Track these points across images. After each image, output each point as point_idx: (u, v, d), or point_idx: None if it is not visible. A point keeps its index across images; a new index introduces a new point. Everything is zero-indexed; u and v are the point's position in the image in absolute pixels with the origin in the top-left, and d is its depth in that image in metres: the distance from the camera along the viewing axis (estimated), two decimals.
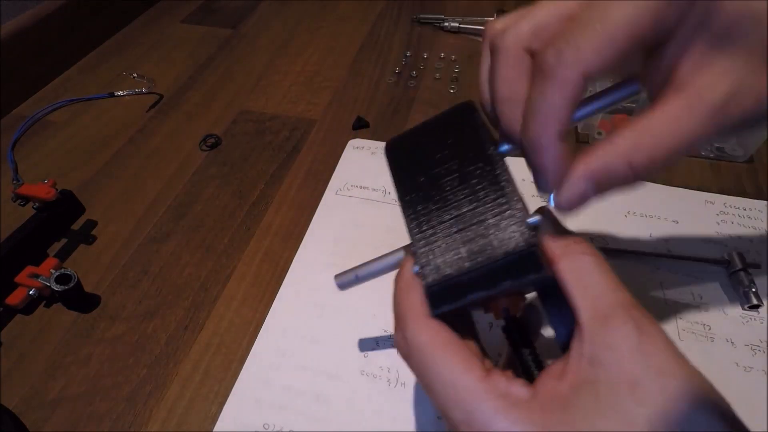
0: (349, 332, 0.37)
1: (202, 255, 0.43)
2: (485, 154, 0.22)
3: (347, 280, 0.28)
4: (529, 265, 0.20)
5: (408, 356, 0.21)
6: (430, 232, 0.22)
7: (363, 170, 0.50)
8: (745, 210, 0.44)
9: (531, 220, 0.20)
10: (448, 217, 0.22)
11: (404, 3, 0.78)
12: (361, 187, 0.48)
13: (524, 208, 0.21)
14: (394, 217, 0.45)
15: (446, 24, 0.70)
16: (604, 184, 0.19)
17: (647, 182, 0.47)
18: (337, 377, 0.35)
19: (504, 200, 0.21)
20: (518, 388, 0.19)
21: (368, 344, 0.36)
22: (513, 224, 0.20)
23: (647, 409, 0.17)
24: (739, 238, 0.42)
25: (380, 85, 0.61)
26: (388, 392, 0.34)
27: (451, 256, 0.21)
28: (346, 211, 0.46)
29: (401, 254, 0.26)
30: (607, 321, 0.19)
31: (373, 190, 0.47)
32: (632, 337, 0.18)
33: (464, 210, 0.22)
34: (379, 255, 0.27)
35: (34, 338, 0.38)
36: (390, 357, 0.35)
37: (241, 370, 0.35)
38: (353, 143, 0.53)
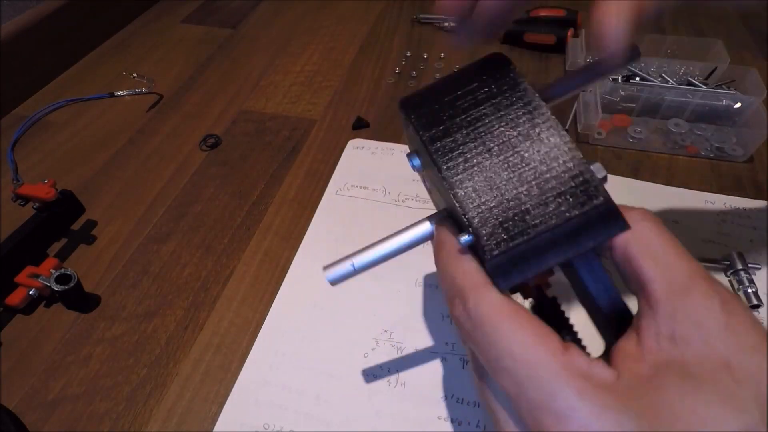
0: (349, 332, 0.37)
1: (202, 255, 0.43)
2: (523, 90, 0.20)
3: (341, 272, 0.23)
4: (612, 222, 0.18)
5: (472, 331, 0.18)
6: (472, 182, 0.19)
7: (363, 170, 0.50)
8: (745, 210, 0.44)
9: (593, 167, 0.18)
10: (495, 160, 0.19)
11: (404, 3, 0.78)
12: (361, 187, 0.48)
13: (579, 152, 0.18)
14: (394, 216, 0.45)
15: (446, 24, 0.70)
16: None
17: (648, 182, 0.47)
18: (337, 377, 0.35)
19: (558, 140, 0.18)
20: (601, 368, 0.17)
21: (368, 344, 0.36)
22: (578, 171, 0.18)
23: (751, 389, 0.15)
24: (739, 238, 0.42)
25: (380, 85, 0.61)
26: (388, 392, 0.34)
27: (507, 211, 0.18)
28: (346, 211, 0.46)
29: (426, 228, 0.22)
30: (688, 294, 0.17)
31: (373, 190, 0.47)
32: (718, 312, 0.16)
33: (510, 153, 0.19)
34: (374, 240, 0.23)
35: (34, 338, 0.38)
36: (390, 357, 0.35)
37: (241, 370, 0.35)
38: (353, 143, 0.53)
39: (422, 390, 0.34)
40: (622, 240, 0.19)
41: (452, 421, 0.32)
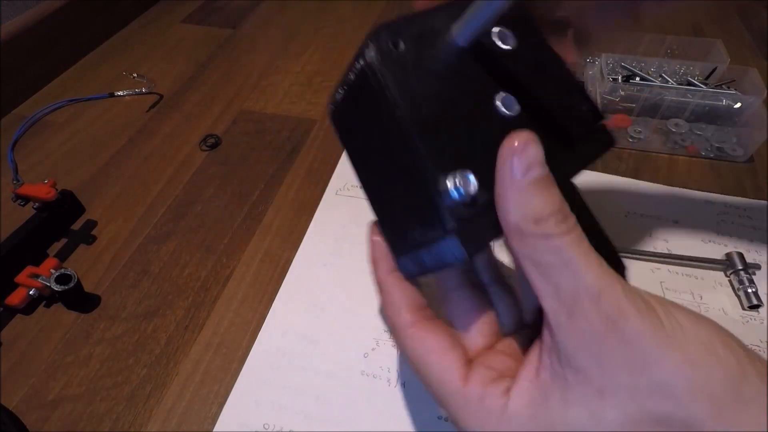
0: (349, 332, 0.37)
1: (202, 255, 0.43)
2: (396, 122, 0.19)
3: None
4: (450, 252, 0.18)
5: (407, 359, 0.22)
6: (383, 211, 0.23)
7: None
8: (745, 210, 0.44)
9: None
10: (390, 195, 0.21)
11: (404, 3, 0.78)
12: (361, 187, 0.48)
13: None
14: None
15: None
16: None
17: (648, 182, 0.47)
18: (337, 377, 0.35)
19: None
20: (494, 397, 0.19)
21: (368, 344, 0.36)
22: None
23: (617, 413, 0.16)
24: (739, 239, 0.42)
25: None
26: (388, 392, 0.34)
27: (403, 237, 0.21)
28: (346, 211, 0.46)
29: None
30: (573, 313, 0.17)
31: None
32: (597, 334, 0.16)
33: (398, 190, 0.21)
34: None
35: (34, 338, 0.38)
36: (390, 357, 0.35)
37: (241, 370, 0.35)
38: None
39: (422, 390, 0.33)
40: (516, 255, 0.18)
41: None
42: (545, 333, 0.18)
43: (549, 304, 0.18)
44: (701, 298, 0.38)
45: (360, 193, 0.47)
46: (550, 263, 0.17)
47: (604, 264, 0.17)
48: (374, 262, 0.23)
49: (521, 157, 0.18)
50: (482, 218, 0.19)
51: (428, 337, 0.21)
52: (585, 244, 0.18)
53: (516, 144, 0.18)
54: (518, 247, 0.18)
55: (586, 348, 0.17)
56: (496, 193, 0.18)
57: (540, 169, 0.18)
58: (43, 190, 0.42)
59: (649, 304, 0.17)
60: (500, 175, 0.18)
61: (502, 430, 0.18)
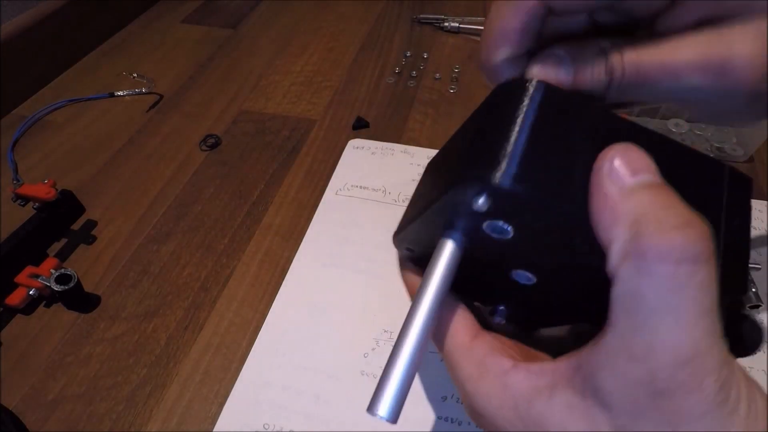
0: (349, 332, 0.37)
1: (202, 255, 0.43)
2: None
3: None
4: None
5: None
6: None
7: (363, 170, 0.49)
8: None
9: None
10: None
11: (404, 3, 0.78)
12: (361, 187, 0.48)
13: None
14: (394, 217, 0.45)
15: (446, 24, 0.70)
16: None
17: None
18: (337, 377, 0.35)
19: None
20: (497, 360, 0.18)
21: (368, 344, 0.36)
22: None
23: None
24: None
25: (380, 85, 0.61)
26: None
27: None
28: (346, 211, 0.46)
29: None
30: (642, 362, 0.14)
31: (373, 190, 0.47)
32: (656, 393, 0.13)
33: None
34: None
35: (34, 338, 0.38)
36: None
37: (241, 370, 0.35)
38: (353, 143, 0.53)
39: (422, 390, 0.34)
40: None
41: (452, 421, 0.32)
42: (586, 353, 0.15)
43: (620, 334, 0.14)
44: None
45: (360, 193, 0.47)
46: (653, 305, 0.13)
47: (713, 324, 0.14)
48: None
49: (624, 158, 0.14)
50: None
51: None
52: (712, 290, 0.13)
53: (612, 151, 0.14)
54: (623, 271, 0.14)
55: (631, 395, 0.14)
56: (591, 208, 0.14)
57: (652, 176, 0.14)
58: (43, 190, 0.42)
59: (730, 382, 0.14)
60: (596, 180, 0.14)
61: (490, 390, 0.18)
